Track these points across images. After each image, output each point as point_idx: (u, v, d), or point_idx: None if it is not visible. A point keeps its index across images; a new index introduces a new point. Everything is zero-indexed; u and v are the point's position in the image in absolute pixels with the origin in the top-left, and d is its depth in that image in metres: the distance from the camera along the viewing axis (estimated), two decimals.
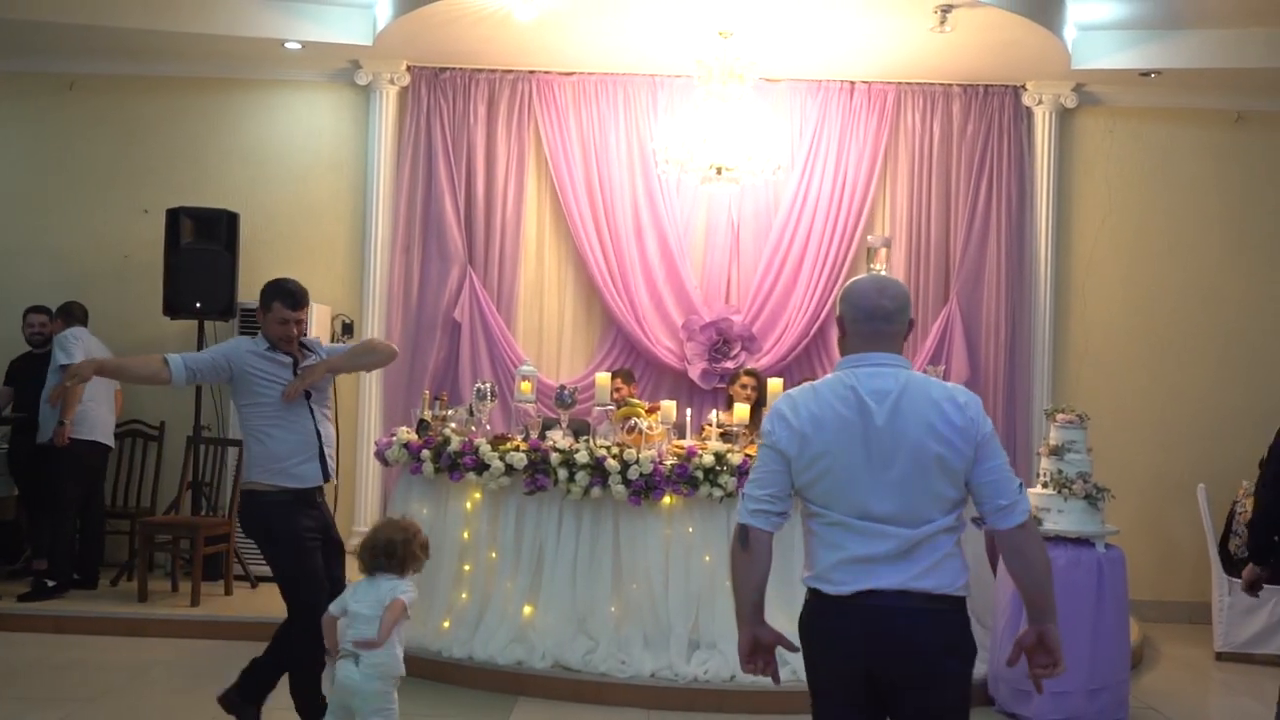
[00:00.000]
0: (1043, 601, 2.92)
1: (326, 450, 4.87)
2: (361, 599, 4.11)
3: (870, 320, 2.99)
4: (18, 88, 8.42)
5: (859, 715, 2.92)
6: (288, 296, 4.81)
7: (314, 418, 4.82)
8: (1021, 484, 2.93)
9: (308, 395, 4.80)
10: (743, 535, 2.91)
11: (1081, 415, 5.78)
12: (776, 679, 3.03)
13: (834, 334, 8.07)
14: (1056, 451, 5.72)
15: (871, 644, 2.83)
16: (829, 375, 3.03)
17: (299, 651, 4.71)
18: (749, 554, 2.91)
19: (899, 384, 2.90)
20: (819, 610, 2.92)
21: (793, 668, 3.52)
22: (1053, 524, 5.63)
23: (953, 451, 2.85)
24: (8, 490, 7.78)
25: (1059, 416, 5.81)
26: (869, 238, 7.81)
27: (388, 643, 4.05)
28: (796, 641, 2.92)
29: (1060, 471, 5.67)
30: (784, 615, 5.78)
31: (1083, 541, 5.60)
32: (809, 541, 2.96)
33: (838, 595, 2.86)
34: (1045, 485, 5.72)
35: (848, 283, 3.14)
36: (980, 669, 5.85)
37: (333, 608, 4.22)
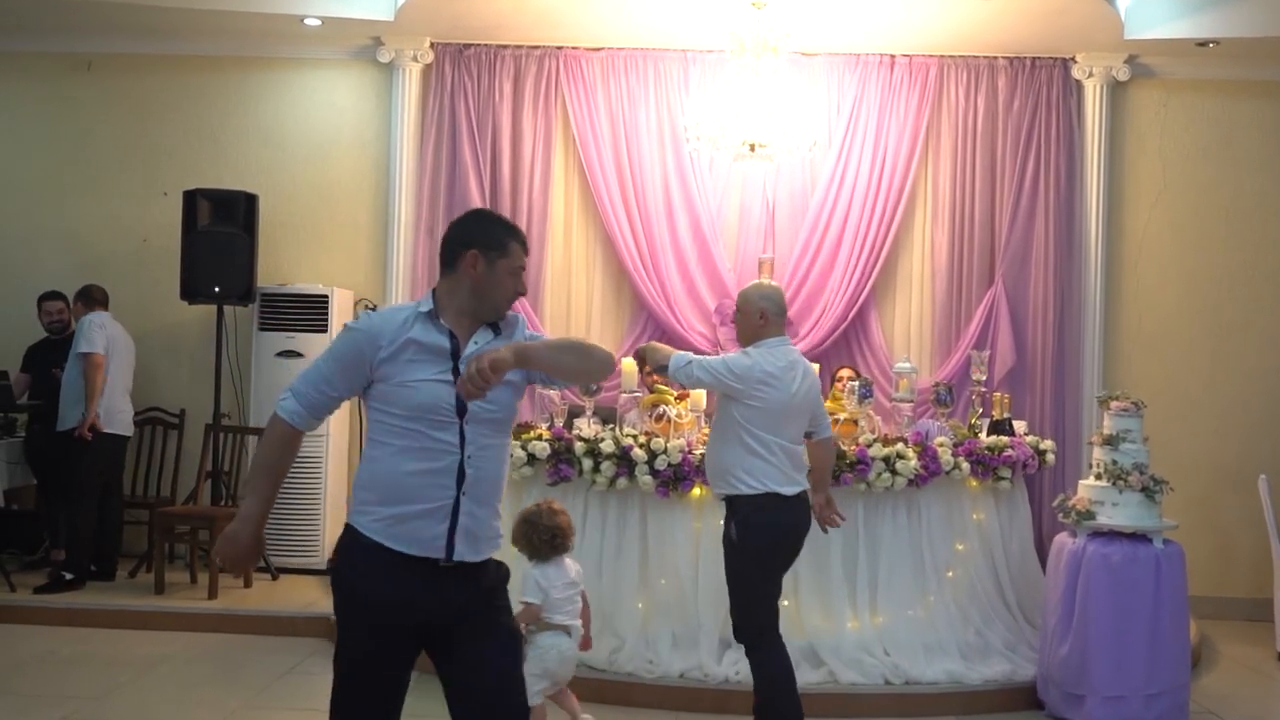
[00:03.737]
0: (827, 478, 4.85)
1: (469, 505, 2.94)
2: (557, 582, 4.55)
3: (782, 314, 4.66)
4: (34, 68, 8.23)
5: (782, 575, 4.63)
6: (522, 234, 3.15)
7: (463, 444, 2.94)
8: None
9: (460, 409, 2.93)
10: (687, 368, 4.48)
11: (1137, 403, 5.43)
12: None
13: (874, 319, 7.95)
14: (1111, 441, 5.37)
15: (804, 522, 4.57)
16: (762, 348, 4.51)
17: None
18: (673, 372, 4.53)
19: (799, 357, 4.65)
20: (780, 507, 4.45)
21: None
22: (1106, 518, 5.29)
23: (814, 401, 4.66)
24: (25, 479, 7.62)
25: (1113, 404, 5.46)
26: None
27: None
28: None
29: (1115, 462, 5.32)
30: (818, 605, 5.57)
31: (1139, 537, 5.26)
32: (749, 461, 4.43)
33: (791, 495, 4.48)
34: (1099, 477, 5.37)
35: (761, 286, 4.79)
36: (1029, 670, 5.55)
37: (536, 597, 4.51)
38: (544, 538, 4.53)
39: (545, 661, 4.47)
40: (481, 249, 3.04)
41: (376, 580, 2.93)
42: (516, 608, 3.94)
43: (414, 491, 2.92)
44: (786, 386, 4.46)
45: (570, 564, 4.63)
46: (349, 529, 2.99)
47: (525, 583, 4.50)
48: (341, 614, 3.01)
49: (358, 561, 2.96)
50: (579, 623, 4.61)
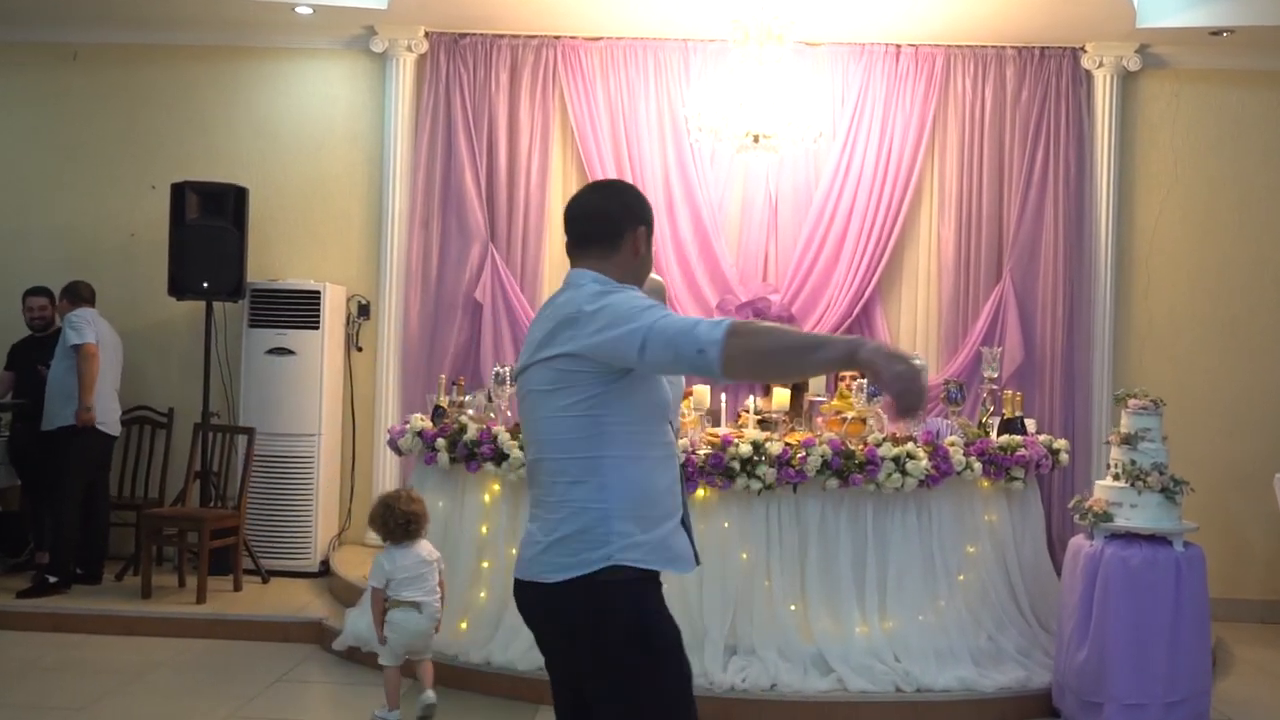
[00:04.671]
0: None
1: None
2: (403, 563, 4.86)
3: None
4: (19, 59, 8.02)
5: None
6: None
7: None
8: None
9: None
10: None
11: (1156, 401, 5.25)
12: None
13: (879, 315, 7.77)
14: (1129, 440, 5.20)
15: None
16: None
17: None
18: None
19: None
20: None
21: None
22: (1125, 519, 5.11)
23: None
24: (9, 480, 7.43)
25: (1131, 402, 5.28)
26: None
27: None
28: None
29: (1134, 462, 5.14)
30: (826, 610, 5.39)
31: (1158, 539, 5.09)
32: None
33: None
34: (1117, 477, 5.20)
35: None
36: (1044, 677, 5.39)
37: (377, 581, 4.88)
38: (399, 522, 4.85)
39: (397, 634, 4.85)
40: (647, 225, 2.75)
41: (661, 609, 2.60)
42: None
43: (670, 505, 2.64)
44: (678, 381, 4.38)
45: (425, 546, 4.96)
46: (612, 573, 2.54)
47: (373, 567, 4.93)
48: (653, 663, 2.57)
49: (638, 599, 2.57)
50: (434, 599, 4.92)
